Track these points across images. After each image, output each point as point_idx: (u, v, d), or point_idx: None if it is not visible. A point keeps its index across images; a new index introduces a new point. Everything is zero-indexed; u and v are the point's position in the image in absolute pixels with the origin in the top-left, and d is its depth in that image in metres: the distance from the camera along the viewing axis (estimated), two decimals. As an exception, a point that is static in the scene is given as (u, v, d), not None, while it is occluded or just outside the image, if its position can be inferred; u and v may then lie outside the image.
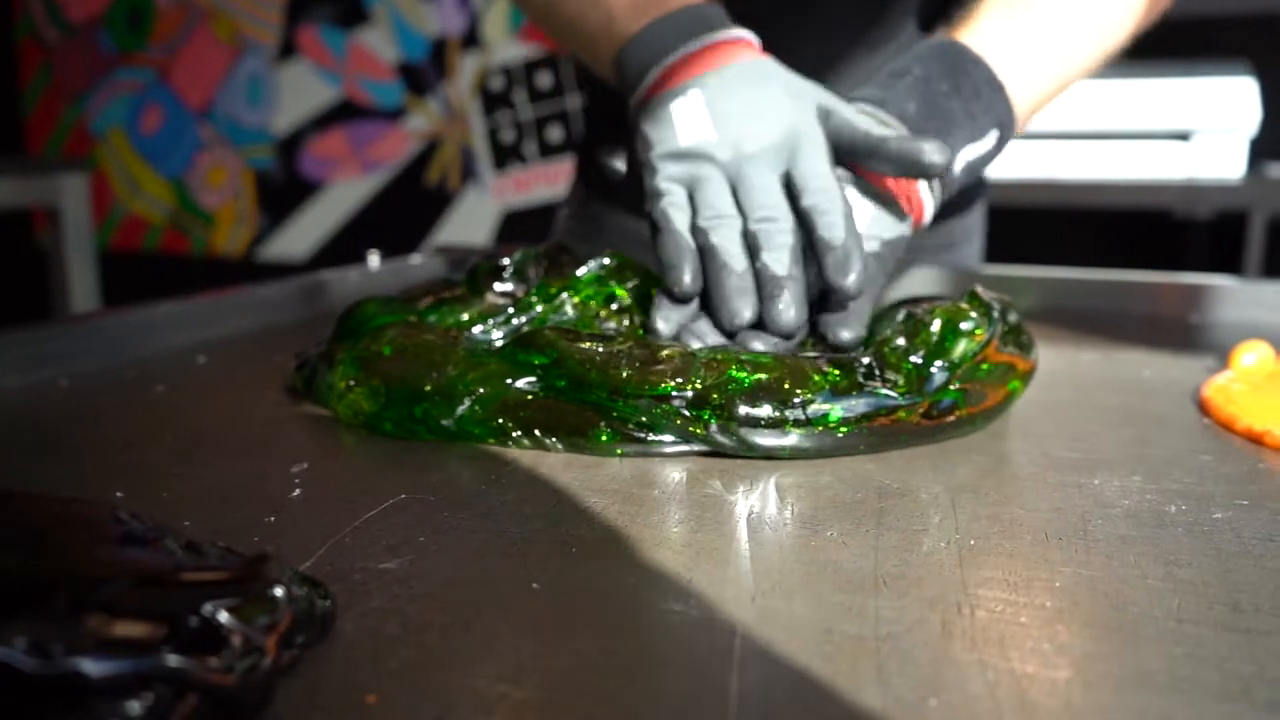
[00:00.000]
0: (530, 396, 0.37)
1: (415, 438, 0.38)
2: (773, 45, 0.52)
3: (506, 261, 0.45)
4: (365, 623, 0.24)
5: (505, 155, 2.34)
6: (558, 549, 0.28)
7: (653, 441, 0.36)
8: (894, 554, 0.28)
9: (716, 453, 0.36)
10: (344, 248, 2.49)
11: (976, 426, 0.39)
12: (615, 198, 0.83)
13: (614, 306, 0.43)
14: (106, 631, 0.19)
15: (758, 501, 0.32)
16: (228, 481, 0.34)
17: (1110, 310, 0.67)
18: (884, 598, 0.25)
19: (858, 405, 0.36)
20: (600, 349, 0.37)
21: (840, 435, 0.35)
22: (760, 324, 0.42)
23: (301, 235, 2.57)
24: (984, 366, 0.38)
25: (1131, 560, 0.28)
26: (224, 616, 0.20)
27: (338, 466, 0.36)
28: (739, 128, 0.46)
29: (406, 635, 0.23)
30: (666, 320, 0.42)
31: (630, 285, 0.44)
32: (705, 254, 0.43)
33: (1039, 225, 1.80)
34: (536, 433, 0.37)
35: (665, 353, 0.37)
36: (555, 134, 2.30)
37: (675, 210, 0.45)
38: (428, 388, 0.37)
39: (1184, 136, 1.58)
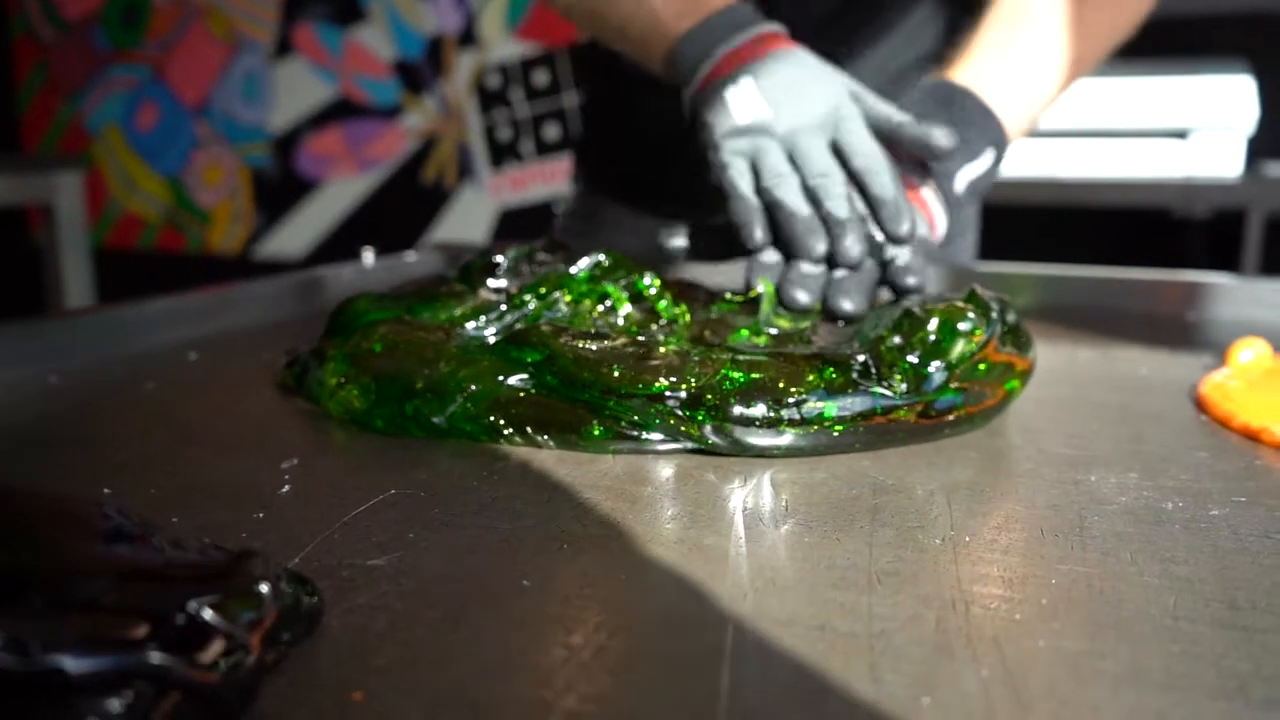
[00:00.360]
0: (522, 394, 0.37)
1: (406, 435, 0.38)
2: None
3: (500, 258, 0.45)
4: (353, 619, 0.24)
5: (502, 153, 2.34)
6: (549, 545, 0.28)
7: (646, 440, 0.36)
8: (888, 550, 0.28)
9: (710, 449, 0.36)
10: (341, 246, 2.48)
11: (975, 425, 0.38)
12: (611, 192, 0.83)
13: (607, 304, 0.43)
14: (87, 628, 0.19)
15: (752, 497, 0.32)
16: (217, 478, 0.34)
17: (1107, 308, 0.67)
18: (878, 594, 0.25)
19: (853, 404, 0.35)
20: (593, 347, 0.37)
21: (836, 434, 0.35)
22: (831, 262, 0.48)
23: (298, 233, 2.57)
24: (982, 366, 0.38)
25: (1128, 557, 0.27)
26: (208, 613, 0.19)
27: (328, 463, 0.36)
28: (789, 105, 0.52)
29: (395, 632, 0.23)
30: (760, 271, 0.49)
31: (623, 283, 0.44)
32: (773, 209, 0.50)
33: (1037, 223, 1.80)
34: (528, 430, 0.36)
35: (659, 351, 0.36)
36: (552, 132, 2.30)
37: (740, 178, 0.51)
38: (419, 385, 0.37)
39: (1182, 135, 1.58)
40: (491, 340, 0.40)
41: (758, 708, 0.20)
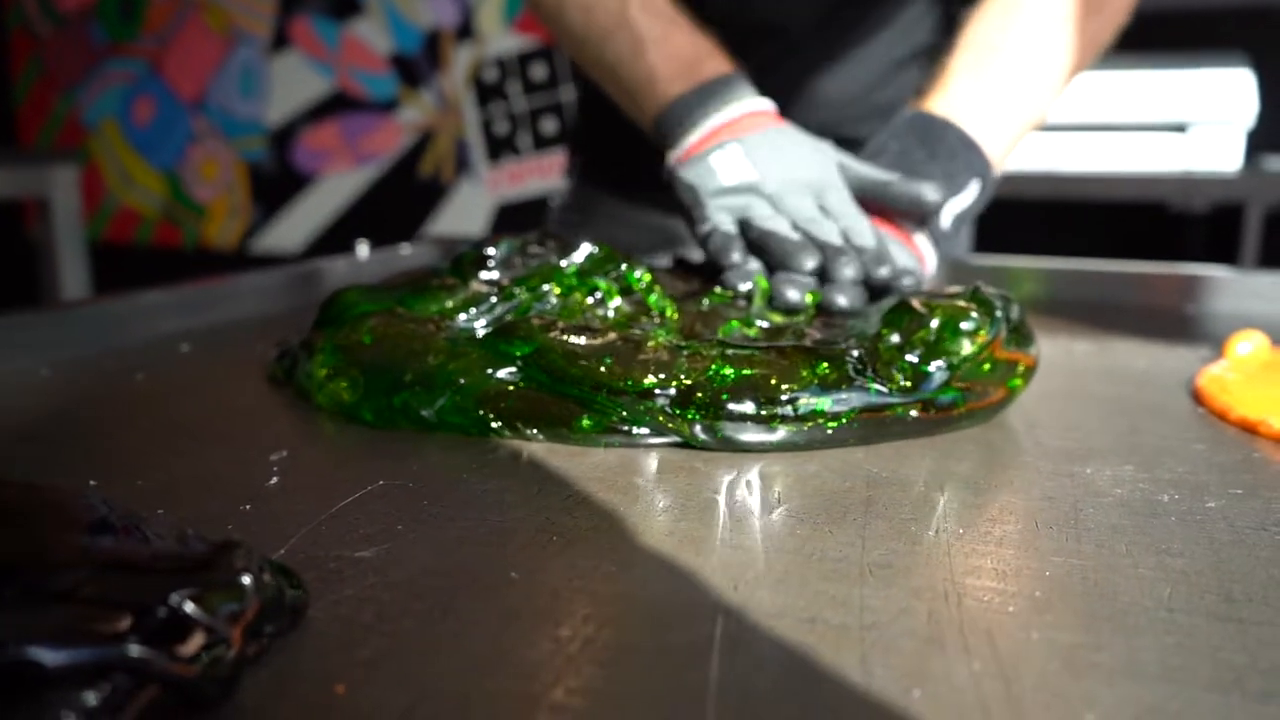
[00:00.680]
0: (511, 388, 0.36)
1: (395, 427, 0.37)
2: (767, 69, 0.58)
3: (492, 250, 0.44)
4: (338, 611, 0.23)
5: (499, 147, 2.33)
6: (538, 538, 0.28)
7: (636, 434, 0.35)
8: (881, 543, 0.27)
9: (701, 446, 0.35)
10: (338, 240, 2.48)
11: (976, 422, 0.38)
12: (607, 186, 0.83)
13: (597, 296, 0.42)
14: (64, 620, 0.18)
15: (743, 490, 0.31)
16: (205, 469, 0.33)
17: (1105, 301, 0.67)
18: (870, 587, 0.25)
19: (848, 400, 0.35)
20: (581, 341, 0.36)
21: (830, 431, 0.35)
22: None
23: (295, 228, 2.56)
24: (986, 366, 0.37)
25: (1123, 549, 0.27)
26: (188, 606, 0.19)
27: (317, 454, 0.35)
28: (776, 169, 0.52)
29: (380, 624, 0.23)
30: (740, 278, 0.47)
31: (613, 275, 0.43)
32: (763, 241, 0.48)
33: (1036, 217, 1.79)
34: (518, 424, 0.36)
35: (648, 345, 0.36)
36: (549, 126, 2.29)
37: (726, 228, 0.50)
38: (407, 377, 0.37)
39: (1181, 128, 1.58)
40: (481, 333, 0.40)
41: (747, 700, 0.20)
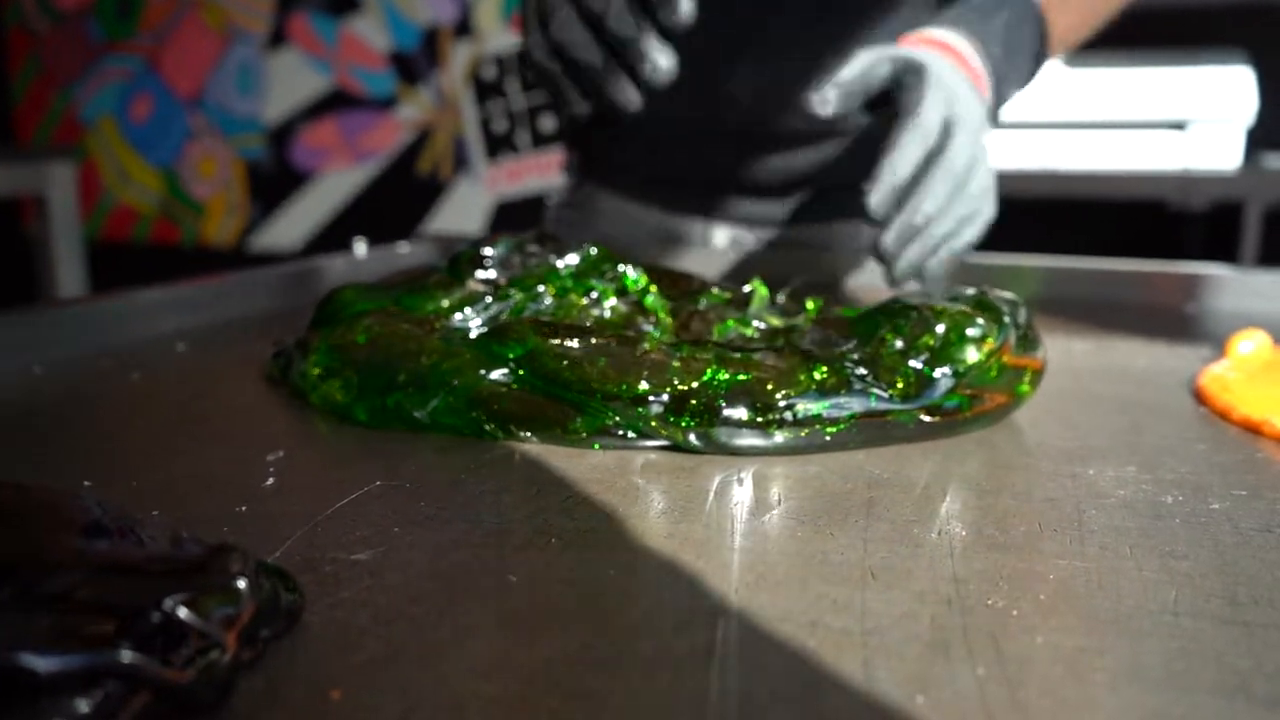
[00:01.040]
0: (504, 389, 0.36)
1: (390, 427, 0.37)
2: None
3: (489, 250, 0.44)
4: (334, 615, 0.23)
5: (498, 145, 2.33)
6: (536, 540, 0.27)
7: (631, 437, 0.35)
8: (883, 545, 0.27)
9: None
10: (336, 238, 2.47)
11: (982, 426, 0.38)
12: (605, 183, 0.82)
13: (593, 296, 0.42)
14: (56, 625, 0.18)
15: (743, 492, 0.31)
16: (200, 470, 0.33)
17: (1105, 299, 0.67)
18: (872, 590, 0.24)
19: (847, 405, 0.34)
20: (576, 344, 0.36)
21: (828, 437, 0.34)
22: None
23: (293, 225, 2.56)
24: (992, 372, 0.37)
25: (1127, 552, 0.27)
26: (181, 610, 0.19)
27: (313, 455, 0.35)
28: None
29: (376, 628, 0.22)
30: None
31: (609, 275, 0.43)
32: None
33: (1034, 216, 1.79)
34: (511, 426, 0.35)
35: (642, 348, 0.35)
36: (548, 124, 2.29)
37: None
38: (401, 378, 0.36)
39: (1180, 126, 1.58)
40: (475, 333, 0.39)
41: (748, 706, 0.19)
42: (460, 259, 0.43)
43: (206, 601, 0.19)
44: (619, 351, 0.35)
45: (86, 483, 0.31)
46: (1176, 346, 0.53)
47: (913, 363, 0.35)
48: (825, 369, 0.35)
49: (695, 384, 0.34)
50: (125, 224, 2.74)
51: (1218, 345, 0.51)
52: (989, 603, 0.24)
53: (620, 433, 0.35)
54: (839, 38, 0.69)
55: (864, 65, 0.51)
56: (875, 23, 0.69)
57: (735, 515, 0.29)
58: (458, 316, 0.40)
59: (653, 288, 0.43)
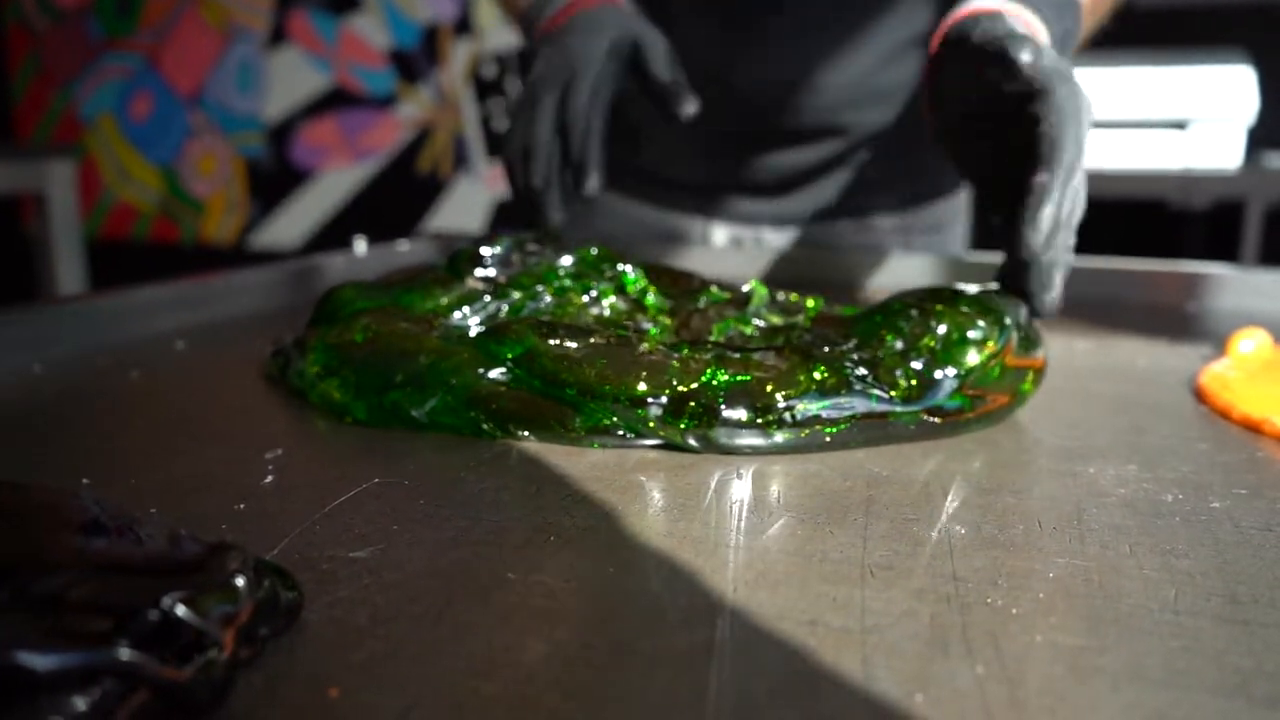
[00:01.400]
0: (502, 388, 0.36)
1: (388, 426, 0.37)
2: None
3: (489, 248, 0.44)
4: (333, 613, 0.23)
5: (498, 143, 2.33)
6: (535, 538, 0.27)
7: (629, 437, 0.35)
8: (882, 543, 0.27)
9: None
10: (336, 236, 2.47)
11: (983, 426, 0.37)
12: (607, 180, 0.82)
13: (592, 294, 0.42)
14: (54, 623, 0.18)
15: (743, 489, 0.31)
16: (199, 468, 0.33)
17: (1106, 298, 0.67)
18: (871, 589, 0.24)
19: (847, 406, 0.34)
20: (574, 344, 0.35)
21: (828, 437, 0.34)
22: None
23: (293, 224, 2.56)
24: (994, 373, 0.37)
25: (1127, 550, 0.27)
26: (180, 609, 0.19)
27: (312, 453, 0.35)
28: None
29: (375, 626, 0.22)
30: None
31: (609, 274, 0.43)
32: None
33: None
34: (509, 426, 0.35)
35: (641, 348, 0.35)
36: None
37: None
38: (398, 378, 0.36)
39: (1181, 125, 1.58)
40: (474, 331, 0.39)
41: (747, 704, 0.19)
42: (459, 257, 0.43)
43: (205, 600, 0.19)
44: (617, 352, 0.35)
45: (85, 481, 0.31)
46: (1177, 345, 0.53)
47: (913, 364, 0.35)
48: (825, 369, 0.34)
49: (694, 385, 0.34)
50: (125, 222, 2.73)
51: (1218, 344, 0.51)
52: (989, 601, 0.24)
53: (619, 432, 0.35)
54: (841, 35, 0.69)
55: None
56: (878, 20, 0.69)
57: (734, 513, 0.29)
58: (456, 315, 0.40)
59: (652, 288, 0.43)
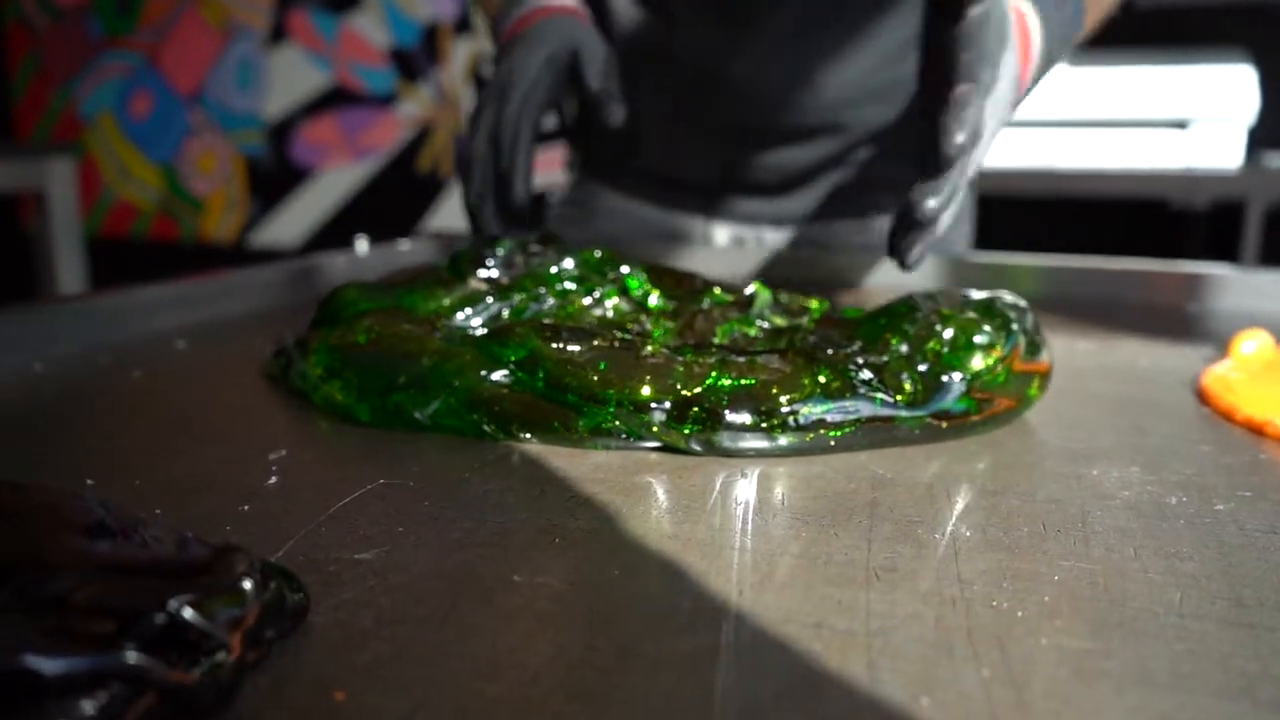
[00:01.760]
0: (505, 391, 0.36)
1: (391, 427, 0.37)
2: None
3: (491, 249, 0.44)
4: (338, 615, 0.23)
5: (498, 142, 2.32)
6: (540, 540, 0.27)
7: (633, 440, 0.35)
8: (886, 546, 0.27)
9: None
10: (336, 235, 2.47)
11: (987, 429, 0.37)
12: (607, 180, 0.82)
13: (596, 295, 0.42)
14: (60, 626, 0.18)
15: (748, 491, 0.31)
16: (202, 469, 0.33)
17: (1107, 298, 0.67)
18: (876, 591, 0.24)
19: (852, 410, 0.34)
20: (577, 348, 0.35)
21: (833, 441, 0.34)
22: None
23: (293, 222, 2.55)
24: (1001, 378, 0.37)
25: (1131, 553, 0.27)
26: (186, 612, 0.19)
27: (316, 454, 0.35)
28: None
29: (380, 629, 0.22)
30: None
31: (611, 276, 0.43)
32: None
33: (1036, 214, 1.79)
34: (512, 428, 0.35)
35: (645, 351, 0.35)
36: (548, 121, 2.29)
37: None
38: (401, 379, 0.36)
39: (1182, 125, 1.58)
40: (477, 333, 0.39)
41: (752, 707, 0.19)
42: (461, 258, 0.43)
43: (211, 603, 0.19)
44: (621, 356, 0.35)
45: (89, 481, 0.31)
46: (1179, 346, 0.53)
47: (919, 368, 0.35)
48: (829, 373, 0.34)
49: (698, 389, 0.34)
50: (125, 220, 2.73)
51: (1220, 345, 0.51)
52: (994, 604, 0.24)
53: (622, 435, 0.35)
54: (841, 34, 0.69)
55: None
56: (878, 19, 0.69)
57: (739, 515, 0.29)
58: (459, 316, 0.40)
59: (655, 291, 0.43)
